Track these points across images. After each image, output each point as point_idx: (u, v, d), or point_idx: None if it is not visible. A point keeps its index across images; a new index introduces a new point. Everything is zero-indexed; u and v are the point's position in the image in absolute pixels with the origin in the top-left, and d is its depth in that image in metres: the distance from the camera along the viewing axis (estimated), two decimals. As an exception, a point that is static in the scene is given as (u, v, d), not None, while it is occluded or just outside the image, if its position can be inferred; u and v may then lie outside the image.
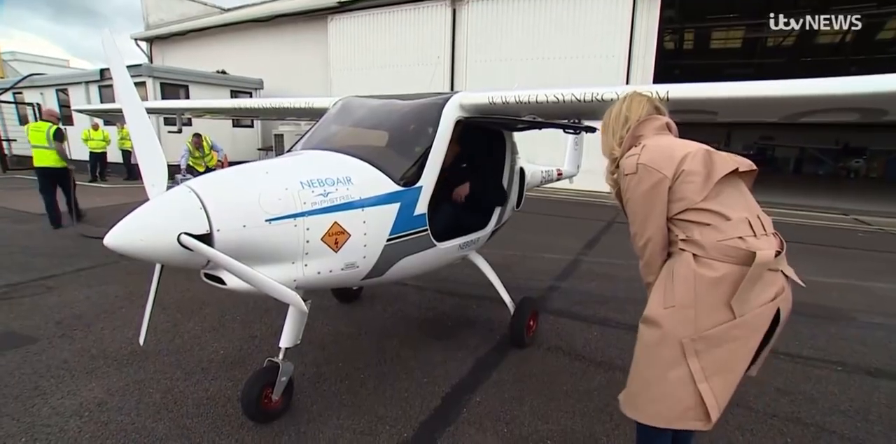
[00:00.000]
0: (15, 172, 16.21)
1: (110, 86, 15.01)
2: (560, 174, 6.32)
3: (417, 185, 2.65)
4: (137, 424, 2.48)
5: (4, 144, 17.47)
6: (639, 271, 1.80)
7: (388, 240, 2.51)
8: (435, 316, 4.12)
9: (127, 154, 14.13)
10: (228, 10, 23.12)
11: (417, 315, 4.11)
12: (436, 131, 2.80)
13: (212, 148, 9.56)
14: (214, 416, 2.56)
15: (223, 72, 17.31)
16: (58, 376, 2.95)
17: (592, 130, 3.32)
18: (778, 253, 1.53)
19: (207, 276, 2.15)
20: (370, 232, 2.41)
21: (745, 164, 1.62)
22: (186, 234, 1.86)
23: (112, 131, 14.36)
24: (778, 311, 1.54)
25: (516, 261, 5.96)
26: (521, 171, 4.02)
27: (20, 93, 17.80)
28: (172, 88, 14.77)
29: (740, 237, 1.51)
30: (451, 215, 3.21)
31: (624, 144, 1.78)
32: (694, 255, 1.55)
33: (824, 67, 15.98)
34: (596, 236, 7.71)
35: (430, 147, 2.76)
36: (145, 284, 2.33)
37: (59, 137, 7.28)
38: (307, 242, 2.20)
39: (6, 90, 17.62)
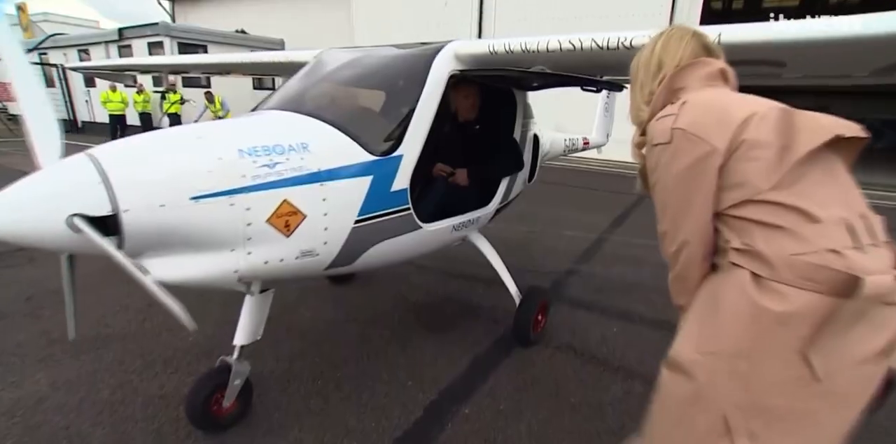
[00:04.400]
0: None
1: (129, 46, 14.73)
2: (587, 143, 5.70)
3: (396, 154, 2.15)
4: (72, 428, 2.16)
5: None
6: None
7: (357, 222, 2.04)
8: (435, 302, 3.69)
9: (146, 117, 13.90)
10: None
11: (415, 300, 3.69)
12: (423, 88, 2.28)
13: (221, 104, 11.05)
14: (161, 421, 2.22)
15: (242, 31, 16.76)
16: (6, 363, 2.67)
17: (618, 87, 2.72)
18: None
19: None
20: (332, 212, 1.94)
21: (851, 128, 1.03)
22: (80, 215, 1.45)
23: (130, 93, 14.11)
24: (892, 373, 0.99)
25: (534, 238, 5.45)
26: (535, 138, 3.45)
27: (45, 54, 17.72)
28: (190, 47, 14.32)
29: (833, 251, 0.95)
30: (443, 191, 2.72)
31: (655, 101, 1.22)
32: (753, 274, 1.01)
33: None
34: (624, 213, 7.07)
35: (414, 108, 2.24)
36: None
37: None
38: (248, 224, 1.75)
39: (31, 51, 17.53)
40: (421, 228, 2.36)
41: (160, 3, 22.19)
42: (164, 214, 1.58)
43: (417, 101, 2.26)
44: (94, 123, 16.55)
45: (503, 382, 2.62)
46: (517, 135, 3.10)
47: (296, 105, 2.26)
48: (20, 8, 21.94)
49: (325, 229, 1.95)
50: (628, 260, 4.85)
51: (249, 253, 1.81)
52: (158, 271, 1.66)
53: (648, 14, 12.00)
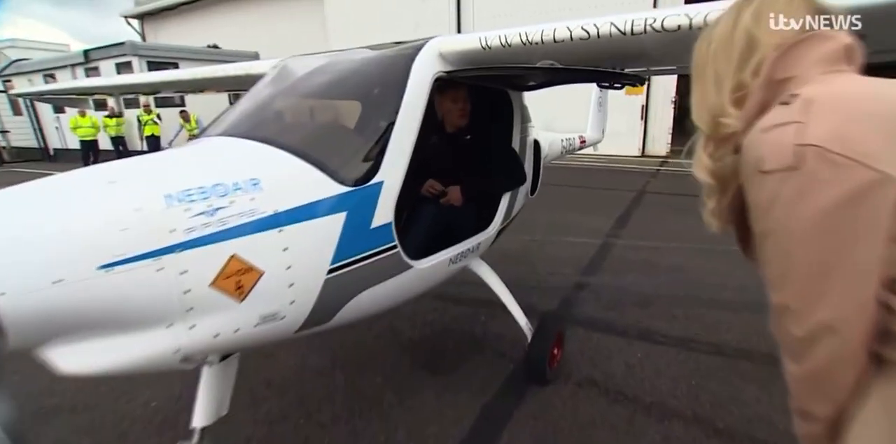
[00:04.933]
0: (12, 166, 15.78)
1: (96, 68, 14.20)
2: (583, 142, 5.36)
3: (375, 181, 1.76)
4: None
5: (-1, 135, 17.03)
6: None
7: (332, 271, 1.64)
8: (432, 336, 3.29)
9: (119, 141, 13.38)
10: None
11: (410, 335, 3.29)
12: (403, 97, 1.89)
13: (197, 123, 10.95)
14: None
15: (215, 46, 16.27)
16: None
17: (641, 80, 2.34)
18: None
19: None
20: (298, 264, 1.55)
21: None
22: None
23: (100, 117, 13.59)
24: None
25: (534, 249, 5.07)
26: (536, 145, 3.07)
27: (9, 81, 17.11)
28: (161, 66, 13.80)
29: None
30: (434, 217, 2.33)
31: (752, 101, 0.80)
32: None
33: None
34: (626, 212, 6.72)
35: (393, 121, 1.85)
36: None
37: None
38: (186, 292, 1.35)
39: (-9, 80, 16.94)
40: (411, 267, 1.96)
41: (129, 23, 21.67)
42: (62, 292, 1.18)
43: (397, 112, 1.87)
44: (67, 149, 15.99)
45: (521, 437, 2.23)
46: (515, 143, 2.72)
47: (245, 129, 1.86)
48: (-17, 36, 21.32)
49: (291, 285, 1.55)
50: (639, 266, 4.49)
51: (192, 327, 1.41)
52: (70, 362, 1.27)
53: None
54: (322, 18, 16.22)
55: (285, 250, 1.51)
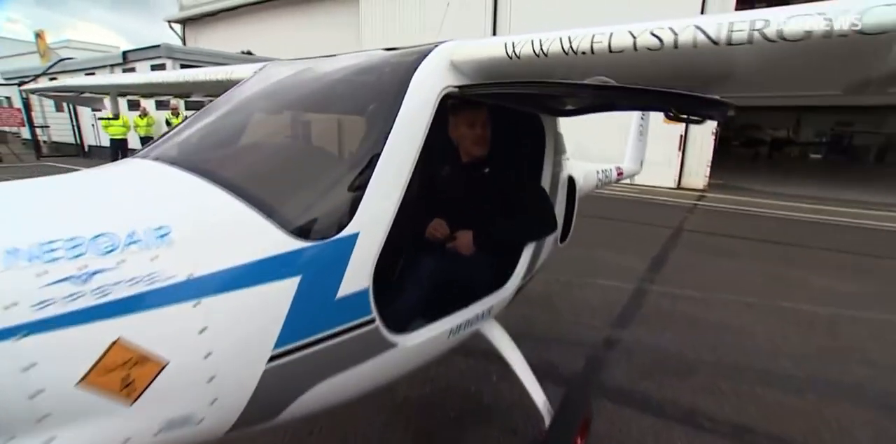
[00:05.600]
0: (48, 160, 16.05)
1: (133, 68, 14.39)
2: (620, 174, 4.82)
3: (347, 232, 1.28)
4: None
5: (39, 130, 17.42)
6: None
7: (275, 357, 1.17)
8: (433, 396, 2.77)
9: (146, 141, 13.43)
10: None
11: (407, 393, 2.77)
12: (395, 117, 1.42)
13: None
14: None
15: (249, 52, 16.37)
16: None
17: (724, 114, 1.69)
18: None
19: None
20: (222, 349, 1.08)
21: None
22: None
23: (132, 117, 13.72)
24: None
25: (558, 290, 4.52)
26: (570, 182, 2.56)
27: (54, 78, 17.55)
28: (192, 69, 13.91)
29: None
30: (434, 273, 1.81)
31: None
32: None
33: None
34: (662, 252, 6.10)
35: (379, 152, 1.37)
36: None
37: None
38: (36, 394, 0.90)
39: (37, 76, 17.41)
40: (395, 345, 1.47)
41: (171, 27, 22.21)
42: None
43: (386, 138, 1.39)
44: (101, 146, 16.29)
45: None
46: (546, 179, 2.21)
47: (179, 152, 1.42)
48: (38, 35, 22.18)
49: (211, 379, 1.08)
50: (678, 321, 3.90)
51: (52, 440, 0.95)
52: None
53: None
54: (357, 28, 16.19)
55: (203, 331, 1.04)
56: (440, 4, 14.39)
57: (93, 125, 16.75)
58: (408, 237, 1.91)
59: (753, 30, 1.07)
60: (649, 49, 1.22)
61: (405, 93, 1.44)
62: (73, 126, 17.50)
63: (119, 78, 3.97)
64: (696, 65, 1.31)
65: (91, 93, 3.90)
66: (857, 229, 8.07)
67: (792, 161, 23.14)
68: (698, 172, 12.09)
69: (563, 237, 2.65)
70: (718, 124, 11.32)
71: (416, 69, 1.49)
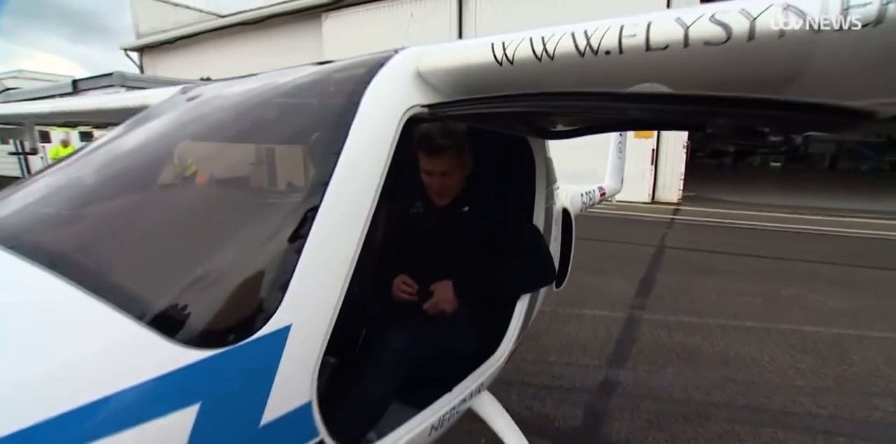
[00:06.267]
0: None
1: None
2: (603, 194, 4.56)
3: (271, 328, 0.85)
4: None
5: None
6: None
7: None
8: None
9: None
10: (226, 16, 21.76)
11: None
12: (339, 152, 1.01)
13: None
14: None
15: (207, 79, 15.86)
16: None
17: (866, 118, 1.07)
18: None
19: None
20: None
21: None
22: None
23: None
24: None
25: (544, 325, 4.14)
26: (565, 215, 2.20)
27: (-2, 109, 16.68)
28: (149, 98, 13.35)
29: None
30: (403, 352, 1.37)
31: None
32: None
33: None
34: (649, 273, 5.82)
35: (318, 204, 0.95)
36: None
37: None
38: None
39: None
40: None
41: (128, 55, 21.61)
42: None
43: (327, 182, 0.98)
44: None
45: None
46: (539, 216, 1.81)
47: (11, 216, 1.00)
48: (-18, 64, 21.27)
49: None
50: (677, 355, 3.57)
51: None
52: None
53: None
54: (320, 50, 15.93)
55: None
56: (405, 24, 14.31)
57: (42, 157, 15.89)
58: (371, 307, 1.51)
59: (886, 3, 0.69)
60: (707, 43, 0.83)
61: (353, 118, 1.04)
62: (19, 158, 16.57)
63: (29, 106, 3.50)
64: (767, 63, 0.89)
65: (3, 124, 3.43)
66: (837, 237, 8.03)
67: (754, 170, 23.64)
68: (671, 186, 12.06)
69: (560, 281, 2.28)
70: (689, 137, 11.35)
71: (367, 84, 1.10)
